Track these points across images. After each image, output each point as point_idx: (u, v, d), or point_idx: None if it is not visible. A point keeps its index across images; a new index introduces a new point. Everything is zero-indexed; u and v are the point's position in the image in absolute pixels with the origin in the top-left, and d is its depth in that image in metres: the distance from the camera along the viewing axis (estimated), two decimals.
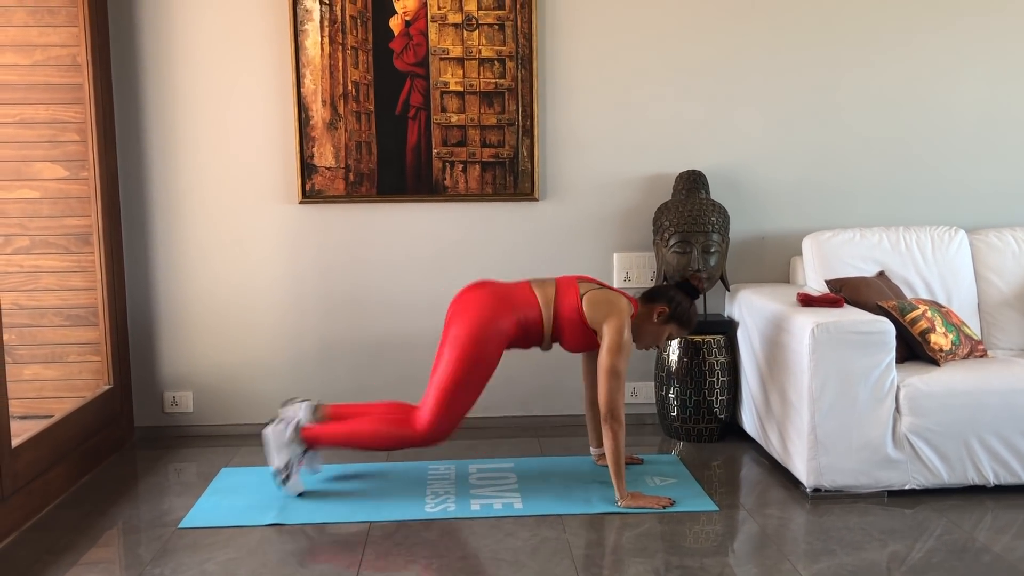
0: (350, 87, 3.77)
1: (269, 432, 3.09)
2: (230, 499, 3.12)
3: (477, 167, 3.85)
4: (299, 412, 3.12)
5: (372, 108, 3.79)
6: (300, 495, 3.12)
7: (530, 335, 3.09)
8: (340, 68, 3.76)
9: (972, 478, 3.05)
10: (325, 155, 3.80)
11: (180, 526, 2.90)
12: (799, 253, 3.88)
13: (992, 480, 3.06)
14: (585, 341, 3.09)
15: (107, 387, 3.65)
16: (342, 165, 3.81)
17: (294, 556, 2.69)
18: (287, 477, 3.09)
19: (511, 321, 3.04)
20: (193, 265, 3.88)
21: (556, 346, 3.20)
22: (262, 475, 3.32)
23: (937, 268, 3.64)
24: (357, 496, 3.14)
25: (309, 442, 3.10)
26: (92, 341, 3.65)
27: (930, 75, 3.95)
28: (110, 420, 3.66)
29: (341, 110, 3.78)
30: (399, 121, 3.81)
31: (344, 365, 3.93)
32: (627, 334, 3.01)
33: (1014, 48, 3.96)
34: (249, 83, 3.80)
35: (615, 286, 3.72)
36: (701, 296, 3.22)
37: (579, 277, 3.18)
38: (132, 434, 3.88)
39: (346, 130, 3.79)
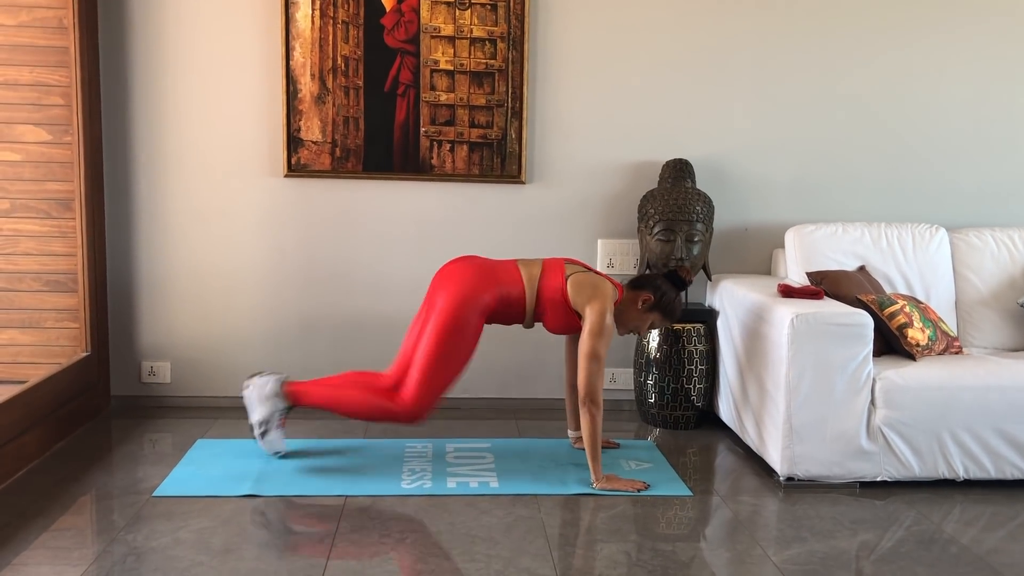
0: (340, 61, 3.75)
1: (251, 385, 3.12)
2: (205, 469, 3.11)
3: (465, 147, 3.84)
4: (270, 379, 3.12)
5: (361, 84, 3.77)
6: (281, 456, 3.15)
7: (512, 311, 3.10)
8: (330, 42, 3.74)
9: (943, 472, 3.09)
10: (312, 129, 3.78)
11: (154, 494, 2.89)
12: (782, 245, 3.90)
13: (962, 474, 3.10)
14: (567, 322, 3.10)
15: (84, 354, 3.62)
16: (329, 140, 3.79)
17: (268, 527, 2.69)
18: (265, 431, 3.10)
19: (493, 295, 3.05)
20: (176, 235, 3.85)
21: (539, 328, 3.21)
22: (238, 447, 3.31)
23: (917, 264, 3.68)
24: (333, 470, 3.14)
25: (292, 398, 3.11)
26: (70, 307, 3.62)
27: (917, 74, 3.98)
28: (86, 387, 3.63)
29: (330, 84, 3.76)
30: (388, 98, 3.79)
31: (324, 340, 3.92)
32: (609, 319, 3.02)
33: (1000, 50, 3.99)
34: (238, 54, 3.77)
35: (600, 271, 3.72)
36: (689, 284, 3.25)
37: (567, 260, 3.18)
38: (108, 402, 3.85)
39: (334, 104, 3.77)
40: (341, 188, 3.86)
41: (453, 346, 3.01)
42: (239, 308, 3.90)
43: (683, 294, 3.53)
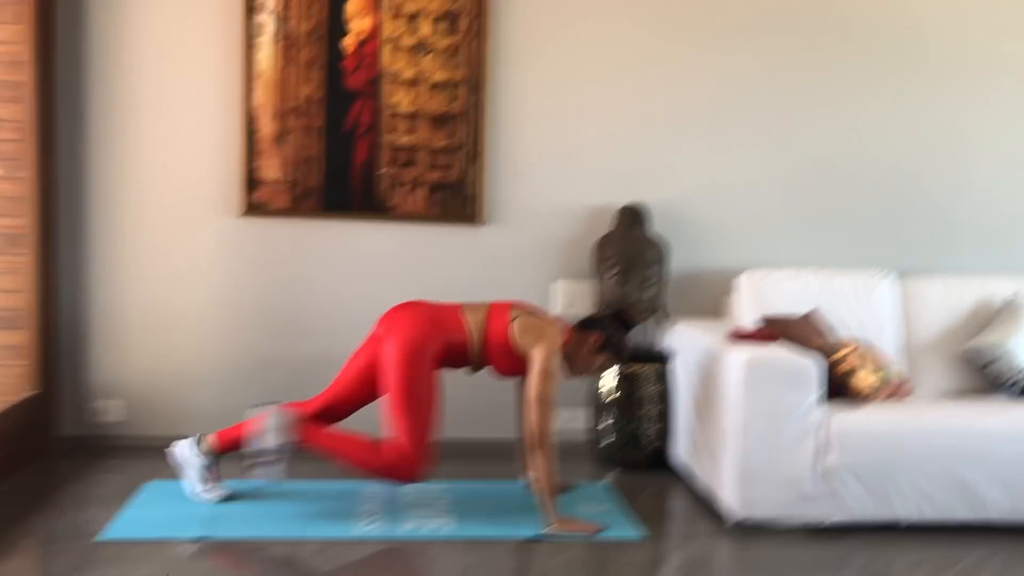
0: (301, 102, 3.77)
1: (173, 453, 3.17)
2: (155, 512, 3.06)
3: (424, 189, 3.87)
4: (189, 444, 3.15)
5: (322, 124, 3.79)
6: (227, 500, 3.12)
7: (458, 357, 3.11)
8: (292, 83, 3.76)
9: (892, 514, 3.14)
10: (271, 168, 3.78)
11: (99, 539, 2.83)
12: (736, 289, 3.97)
13: (910, 517, 3.14)
14: (514, 367, 3.12)
15: (32, 393, 3.55)
16: (288, 179, 3.79)
17: (218, 573, 2.64)
18: (205, 491, 3.09)
19: (439, 342, 3.05)
20: (132, 272, 3.81)
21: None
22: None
23: (866, 309, 3.75)
24: (287, 513, 3.10)
25: (216, 446, 3.13)
26: (18, 344, 3.55)
27: (868, 122, 4.10)
28: (33, 427, 3.56)
29: (290, 124, 3.77)
30: (348, 139, 3.81)
31: (278, 381, 3.88)
32: (556, 361, 3.03)
33: (947, 101, 4.13)
34: (197, 93, 3.77)
35: (553, 314, 3.75)
36: (638, 327, 3.28)
37: (513, 303, 3.20)
38: (57, 443, 3.77)
39: (294, 144, 3.78)
40: (299, 228, 3.86)
41: (416, 392, 3.00)
42: (194, 347, 3.86)
43: (637, 333, 3.56)
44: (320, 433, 3.07)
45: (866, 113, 4.10)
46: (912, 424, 3.16)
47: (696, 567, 2.81)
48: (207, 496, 3.12)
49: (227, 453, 3.15)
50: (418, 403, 3.00)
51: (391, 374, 3.00)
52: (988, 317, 3.76)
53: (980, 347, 3.63)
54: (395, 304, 3.21)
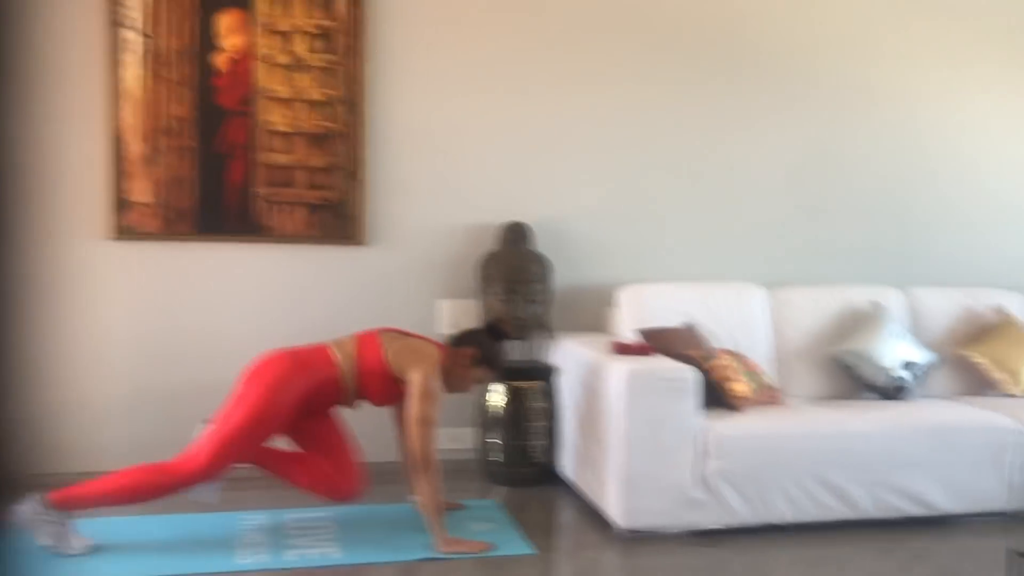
0: (172, 122, 3.65)
1: (20, 518, 2.78)
2: (21, 557, 2.86)
3: (304, 209, 3.81)
4: (28, 503, 2.81)
5: (194, 144, 3.68)
6: (93, 549, 2.90)
7: (330, 396, 3.06)
8: (163, 102, 3.64)
9: (770, 517, 3.26)
10: (142, 191, 3.64)
11: None
12: (615, 303, 4.05)
13: (788, 518, 3.27)
14: (392, 393, 3.09)
15: None
16: (160, 201, 3.66)
17: None
18: (65, 547, 2.83)
19: (305, 385, 2.99)
20: None
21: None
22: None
23: (739, 320, 3.90)
24: (164, 548, 2.97)
25: (61, 506, 2.84)
26: None
27: (732, 137, 4.28)
28: None
29: (161, 145, 3.65)
30: (222, 159, 3.71)
31: (153, 413, 3.73)
32: (434, 381, 3.03)
33: (806, 117, 4.35)
34: (62, 113, 3.60)
35: (428, 334, 3.74)
36: (513, 339, 3.31)
37: (381, 329, 3.17)
38: None
39: (165, 166, 3.66)
40: (173, 251, 3.73)
41: (253, 432, 2.95)
42: (62, 377, 3.66)
43: (524, 349, 3.59)
44: (81, 493, 2.87)
45: (736, 129, 4.27)
46: (784, 429, 3.29)
47: None
48: (72, 550, 2.87)
49: (72, 510, 2.88)
50: (242, 444, 2.94)
51: (240, 408, 2.92)
52: (851, 324, 3.97)
53: (851, 351, 3.83)
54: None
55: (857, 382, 3.83)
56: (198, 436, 3.00)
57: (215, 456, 2.89)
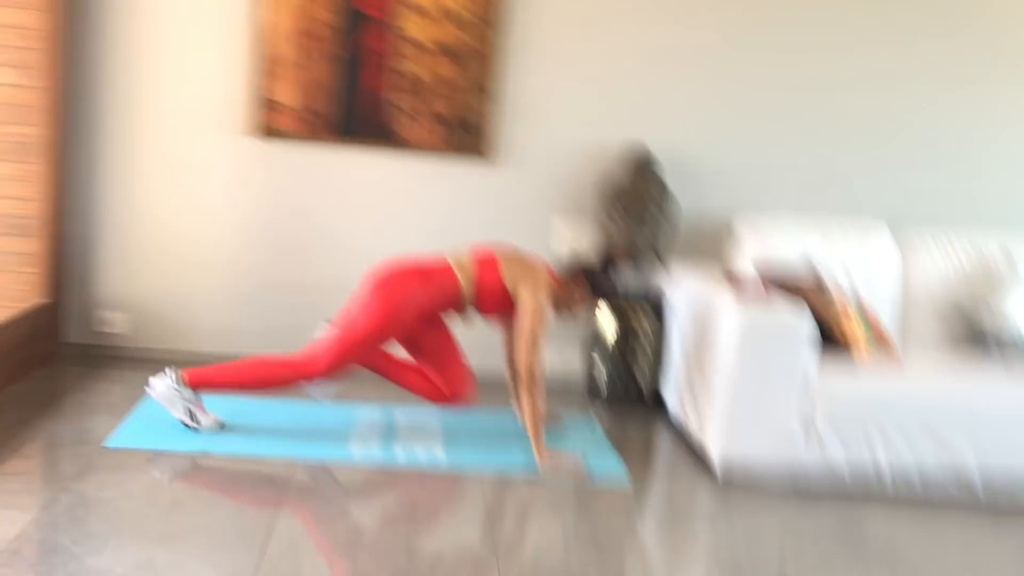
0: (316, 26, 3.75)
1: (157, 391, 3.06)
2: (157, 423, 3.15)
3: (435, 120, 3.88)
4: (164, 378, 3.07)
5: (334, 49, 3.78)
6: (223, 427, 3.15)
7: (449, 305, 3.18)
8: (309, 7, 3.74)
9: (873, 473, 3.21)
10: (285, 92, 3.78)
11: (105, 445, 2.93)
12: (733, 234, 4.00)
13: (890, 482, 3.22)
14: (505, 310, 3.18)
15: (42, 301, 3.62)
16: (301, 105, 3.80)
17: (217, 485, 2.75)
18: (196, 422, 3.08)
19: (427, 296, 3.12)
20: (141, 187, 3.85)
21: None
22: None
23: (861, 261, 3.79)
24: (285, 433, 3.20)
25: (194, 385, 3.07)
26: (30, 252, 3.61)
27: (871, 79, 4.09)
28: (41, 334, 3.64)
29: (305, 48, 3.76)
30: (358, 64, 3.80)
31: (281, 304, 3.96)
32: (544, 300, 3.11)
33: (963, 61, 4.10)
34: (220, 11, 3.76)
35: (544, 252, 3.81)
36: (627, 269, 3.33)
37: (494, 248, 3.26)
38: (63, 350, 3.87)
39: (308, 69, 3.78)
40: (309, 154, 3.89)
41: (375, 340, 3.12)
42: (200, 265, 3.92)
43: (634, 275, 3.61)
44: (213, 375, 3.09)
45: (870, 63, 4.08)
46: (899, 394, 3.21)
47: (679, 516, 2.90)
48: (202, 426, 3.11)
49: (204, 388, 3.11)
50: (364, 349, 3.12)
51: (365, 317, 3.08)
52: (979, 273, 3.80)
53: (978, 303, 3.68)
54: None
55: (978, 335, 3.69)
56: (321, 336, 3.19)
57: (337, 359, 3.08)
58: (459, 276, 3.15)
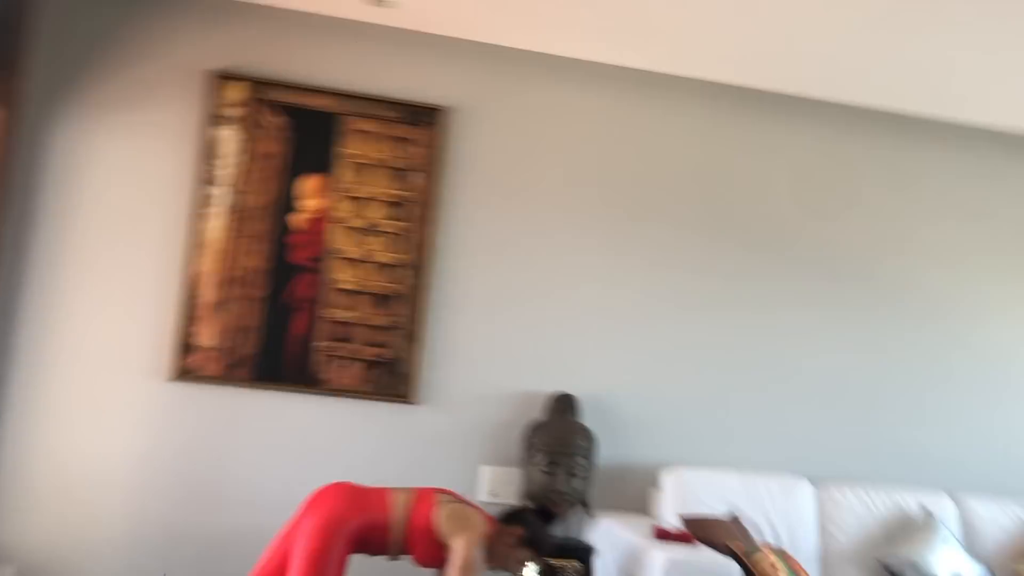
0: (244, 272, 3.84)
1: None
2: None
3: (360, 365, 3.91)
4: None
5: (262, 295, 3.85)
6: None
7: (377, 539, 3.06)
8: (240, 253, 3.84)
9: None
10: (207, 335, 3.79)
11: None
12: (659, 485, 4.01)
13: None
14: (435, 555, 3.07)
15: None
16: (222, 347, 3.80)
17: None
18: None
19: (359, 521, 3.01)
20: (46, 426, 3.70)
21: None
22: None
23: (785, 514, 3.82)
24: None
25: None
26: None
27: (787, 336, 4.32)
28: None
29: (231, 293, 3.82)
30: (286, 311, 3.87)
31: (190, 554, 3.73)
32: (477, 552, 3.00)
33: (862, 316, 4.39)
34: (139, 255, 3.82)
35: (476, 501, 3.73)
36: (559, 521, 3.29)
37: (440, 490, 3.19)
38: None
39: (232, 313, 3.82)
40: (229, 397, 3.83)
41: (319, 570, 2.93)
42: (103, 513, 3.70)
43: (562, 525, 3.55)
44: None
45: (793, 320, 4.33)
46: None
47: None
48: None
49: None
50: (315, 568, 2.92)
51: (300, 543, 2.94)
52: (901, 529, 3.86)
53: (899, 558, 3.71)
54: (329, 477, 3.17)
55: None
56: None
57: None
58: (394, 506, 3.05)
